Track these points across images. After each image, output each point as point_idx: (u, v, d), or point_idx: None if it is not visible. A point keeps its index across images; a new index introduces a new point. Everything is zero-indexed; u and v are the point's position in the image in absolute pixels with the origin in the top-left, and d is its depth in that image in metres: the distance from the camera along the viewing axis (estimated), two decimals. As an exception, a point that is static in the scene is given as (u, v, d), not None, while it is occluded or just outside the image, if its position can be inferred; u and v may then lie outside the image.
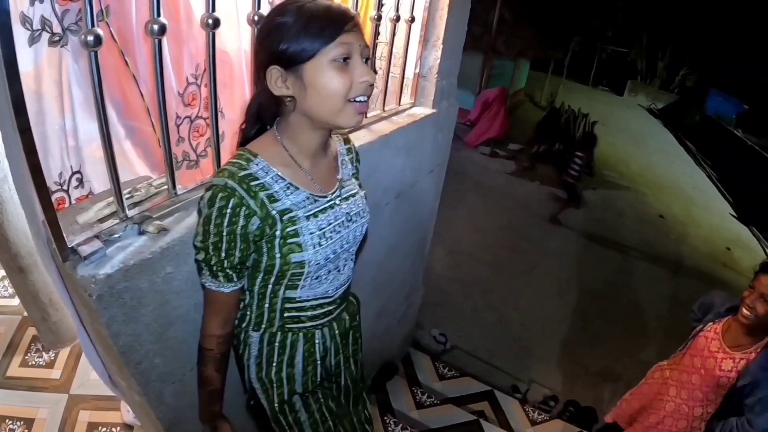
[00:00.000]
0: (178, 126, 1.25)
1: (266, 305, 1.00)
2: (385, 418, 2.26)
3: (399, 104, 1.90)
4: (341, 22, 0.79)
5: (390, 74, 1.81)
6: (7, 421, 1.82)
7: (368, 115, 1.71)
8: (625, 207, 5.39)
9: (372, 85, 0.85)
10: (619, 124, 6.62)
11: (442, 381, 2.80)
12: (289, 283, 0.97)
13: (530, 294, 3.84)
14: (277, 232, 0.88)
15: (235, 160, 0.88)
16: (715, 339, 1.62)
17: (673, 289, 3.97)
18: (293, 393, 1.08)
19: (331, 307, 1.06)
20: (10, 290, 2.18)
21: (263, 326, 1.02)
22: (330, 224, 0.95)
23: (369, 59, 0.86)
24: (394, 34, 1.64)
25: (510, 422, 2.54)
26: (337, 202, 0.98)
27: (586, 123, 6.70)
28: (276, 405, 1.08)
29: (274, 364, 1.04)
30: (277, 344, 1.03)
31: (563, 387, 3.04)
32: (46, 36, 0.96)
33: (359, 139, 1.57)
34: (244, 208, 0.84)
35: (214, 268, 0.89)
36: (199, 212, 0.87)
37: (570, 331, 3.53)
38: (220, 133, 1.19)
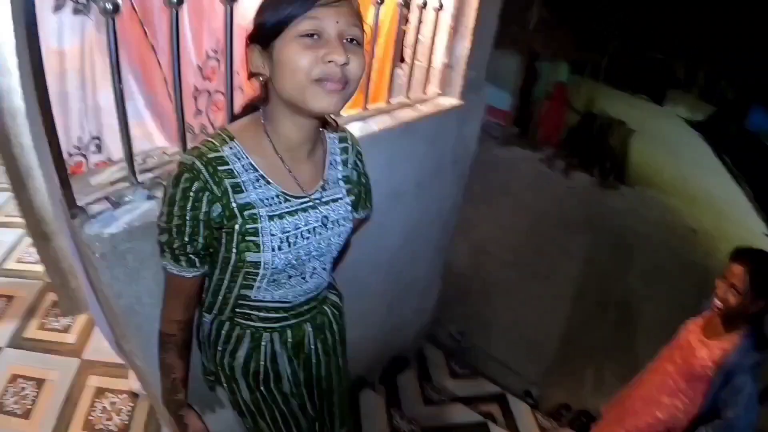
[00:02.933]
0: (195, 98, 1.26)
1: (220, 296, 0.95)
2: (391, 410, 2.23)
3: (425, 93, 1.87)
4: None
5: (416, 62, 1.79)
6: (19, 380, 1.89)
7: (392, 101, 1.69)
8: (655, 217, 5.21)
9: (343, 66, 0.74)
10: (656, 134, 6.41)
11: (455, 379, 2.75)
12: (244, 282, 0.91)
13: (552, 298, 3.74)
14: (236, 227, 0.82)
15: (210, 140, 0.83)
16: (695, 331, 1.64)
17: (699, 303, 3.82)
18: (236, 379, 1.03)
19: (286, 314, 0.99)
20: (36, 256, 2.25)
21: (214, 312, 0.98)
22: (297, 229, 0.87)
23: (356, 41, 0.77)
24: (420, 21, 1.61)
25: (519, 427, 2.48)
26: (314, 205, 0.90)
27: (622, 131, 6.53)
28: (225, 385, 1.05)
29: (219, 350, 1.00)
30: (223, 332, 0.99)
31: (577, 396, 2.96)
32: (70, 4, 0.98)
33: (380, 123, 1.55)
34: (207, 193, 0.79)
35: (177, 251, 0.84)
36: (165, 189, 0.82)
37: (589, 339, 3.43)
38: (239, 108, 1.18)
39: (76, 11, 0.97)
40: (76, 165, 1.20)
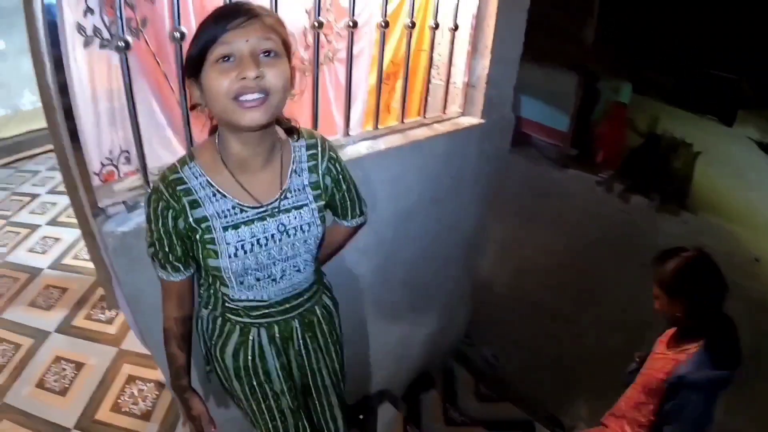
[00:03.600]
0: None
1: (211, 293, 1.06)
2: (408, 426, 2.23)
3: (444, 112, 1.89)
4: (223, 22, 0.79)
5: (438, 82, 1.83)
6: (61, 361, 2.12)
7: (405, 121, 1.75)
8: (716, 245, 4.84)
9: (257, 79, 0.80)
10: (723, 157, 5.98)
11: (481, 402, 2.68)
12: (220, 282, 1.02)
13: (596, 327, 3.57)
14: (197, 237, 0.93)
15: (175, 162, 0.94)
16: (662, 342, 1.56)
17: (758, 340, 3.51)
18: (227, 371, 1.12)
19: (269, 310, 1.06)
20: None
21: (209, 307, 1.08)
22: (254, 237, 0.95)
23: (272, 52, 0.82)
24: (432, 42, 1.67)
25: (542, 459, 2.40)
26: (272, 213, 0.96)
27: (687, 154, 6.16)
28: (219, 373, 1.15)
29: (213, 343, 1.10)
30: (217, 326, 1.08)
31: None
32: (97, 41, 1.15)
33: (390, 142, 1.60)
34: (170, 210, 0.90)
35: (162, 261, 0.96)
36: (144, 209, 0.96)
37: (630, 371, 3.26)
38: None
39: (101, 46, 1.14)
40: (108, 174, 1.35)
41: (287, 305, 1.08)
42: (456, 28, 1.71)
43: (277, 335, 1.10)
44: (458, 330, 2.72)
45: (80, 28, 1.09)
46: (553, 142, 6.64)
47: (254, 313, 1.06)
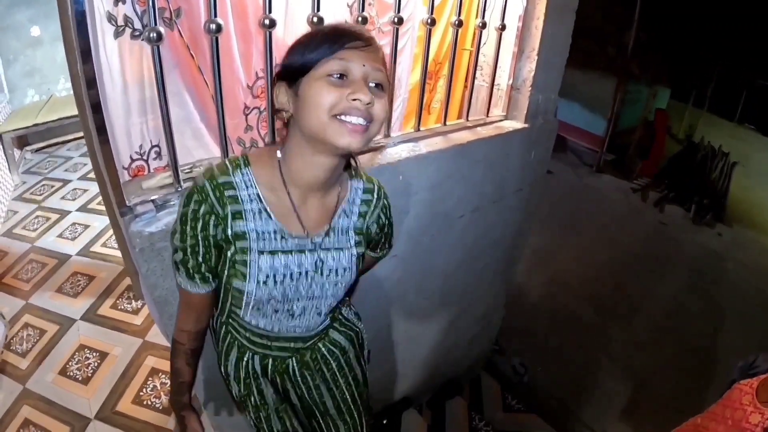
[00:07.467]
0: (246, 115, 1.33)
1: (221, 302, 0.98)
2: (430, 435, 2.19)
3: (487, 115, 1.81)
4: (344, 39, 0.76)
5: (476, 84, 1.75)
6: (85, 350, 2.12)
7: (447, 123, 1.67)
8: (751, 260, 4.66)
9: (368, 105, 0.75)
10: (762, 168, 5.73)
11: (507, 412, 2.63)
12: (233, 301, 0.94)
13: (626, 340, 3.46)
14: (229, 253, 0.85)
15: (227, 162, 0.86)
16: (749, 393, 1.46)
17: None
18: (229, 375, 1.09)
19: (270, 343, 1.01)
20: (120, 242, 2.51)
21: (217, 311, 1.02)
22: (287, 268, 0.88)
23: (381, 85, 0.79)
24: (479, 42, 1.58)
25: (567, 474, 2.32)
26: (313, 248, 0.90)
27: (725, 163, 5.92)
28: (222, 372, 1.10)
29: (219, 350, 1.07)
30: (222, 334, 1.04)
31: (642, 448, 2.71)
32: (128, 31, 1.09)
33: (431, 145, 1.53)
34: (213, 217, 0.82)
35: (191, 270, 0.87)
36: (179, 206, 0.86)
37: (661, 387, 3.14)
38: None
39: (132, 36, 1.09)
40: (138, 169, 1.31)
41: (289, 344, 1.03)
42: (503, 27, 1.61)
43: (270, 367, 1.05)
44: (489, 338, 2.65)
45: (111, 18, 1.04)
46: (589, 146, 6.46)
47: (255, 339, 1.00)
